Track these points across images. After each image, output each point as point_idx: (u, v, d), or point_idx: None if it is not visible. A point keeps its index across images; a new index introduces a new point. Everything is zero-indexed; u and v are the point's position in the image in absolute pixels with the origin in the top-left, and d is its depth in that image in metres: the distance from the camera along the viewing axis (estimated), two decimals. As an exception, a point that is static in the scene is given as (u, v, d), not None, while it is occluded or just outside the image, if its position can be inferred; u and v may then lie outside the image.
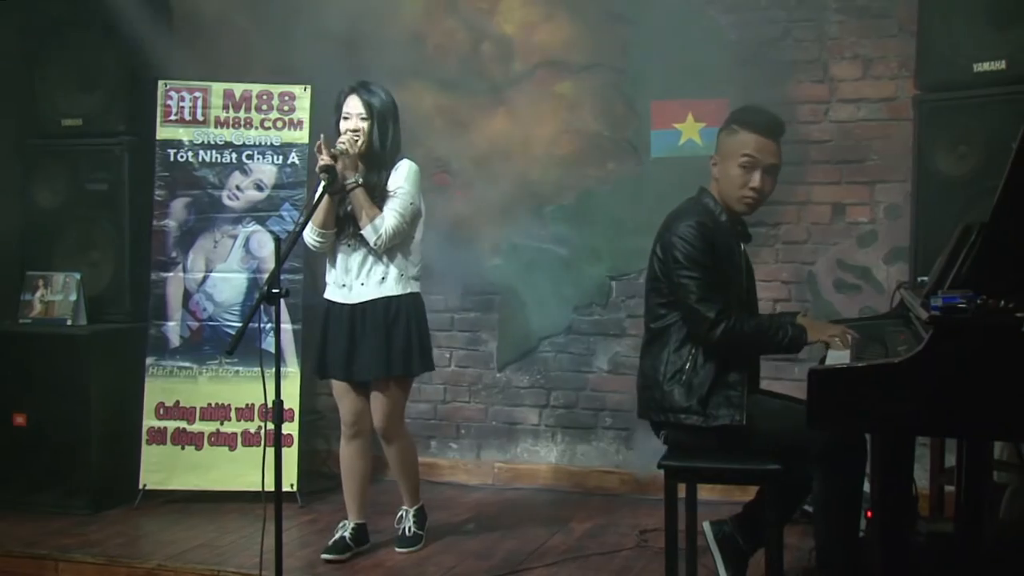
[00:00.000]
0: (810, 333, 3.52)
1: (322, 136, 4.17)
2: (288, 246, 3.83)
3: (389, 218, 4.18)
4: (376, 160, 4.25)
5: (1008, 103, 4.01)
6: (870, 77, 5.07)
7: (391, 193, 4.23)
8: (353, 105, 4.23)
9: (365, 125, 4.22)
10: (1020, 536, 3.91)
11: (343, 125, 4.23)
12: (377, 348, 4.23)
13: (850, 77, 5.10)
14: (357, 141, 4.19)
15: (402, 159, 4.32)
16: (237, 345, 3.41)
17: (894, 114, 4.95)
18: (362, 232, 4.19)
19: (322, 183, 4.10)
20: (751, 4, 5.23)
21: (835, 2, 5.07)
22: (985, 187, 3.86)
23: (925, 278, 3.61)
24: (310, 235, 4.24)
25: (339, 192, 4.18)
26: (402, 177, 4.26)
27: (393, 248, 4.25)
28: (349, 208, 4.22)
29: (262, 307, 3.55)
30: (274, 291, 3.47)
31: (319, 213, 4.17)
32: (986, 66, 4.11)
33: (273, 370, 3.58)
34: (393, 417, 4.35)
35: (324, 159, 4.07)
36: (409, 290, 4.32)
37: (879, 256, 5.05)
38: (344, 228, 4.27)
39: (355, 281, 4.28)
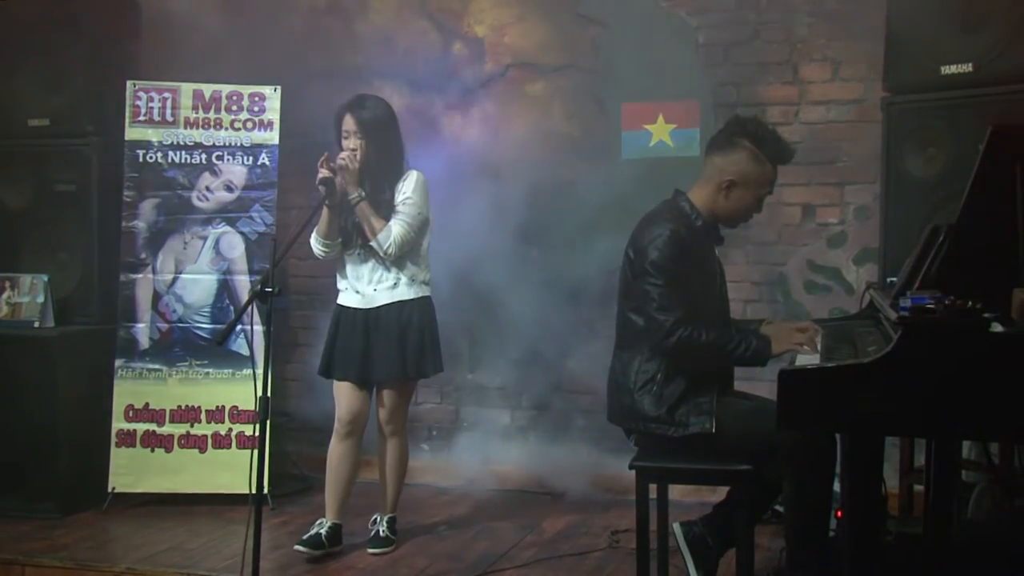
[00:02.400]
0: (775, 345, 3.50)
1: (325, 153, 4.26)
2: (284, 249, 3.90)
3: (396, 228, 4.27)
4: (377, 173, 4.33)
5: (975, 105, 4.05)
6: (839, 79, 5.10)
7: (399, 203, 4.32)
8: (348, 123, 4.31)
9: (361, 142, 4.27)
10: (988, 535, 3.94)
11: (343, 143, 4.32)
12: (391, 351, 4.33)
13: (819, 79, 5.13)
14: (356, 157, 4.26)
15: (410, 170, 4.41)
16: (227, 336, 3.44)
17: (863, 116, 4.98)
18: (371, 244, 4.28)
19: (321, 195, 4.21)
20: (721, 6, 5.25)
21: (804, 4, 5.10)
22: (953, 188, 3.89)
23: (894, 279, 3.64)
24: (316, 245, 4.38)
25: (339, 205, 4.27)
26: (410, 187, 4.35)
27: (402, 257, 4.33)
28: (356, 220, 4.31)
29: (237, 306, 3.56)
30: (267, 289, 3.54)
31: (322, 224, 4.31)
32: (954, 68, 4.14)
33: (249, 371, 3.58)
34: (399, 414, 4.48)
35: (323, 172, 4.19)
36: (421, 294, 4.42)
37: (849, 257, 5.09)
38: (352, 240, 4.38)
39: (368, 287, 4.38)
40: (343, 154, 4.27)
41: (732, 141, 3.62)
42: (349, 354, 4.38)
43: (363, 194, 4.27)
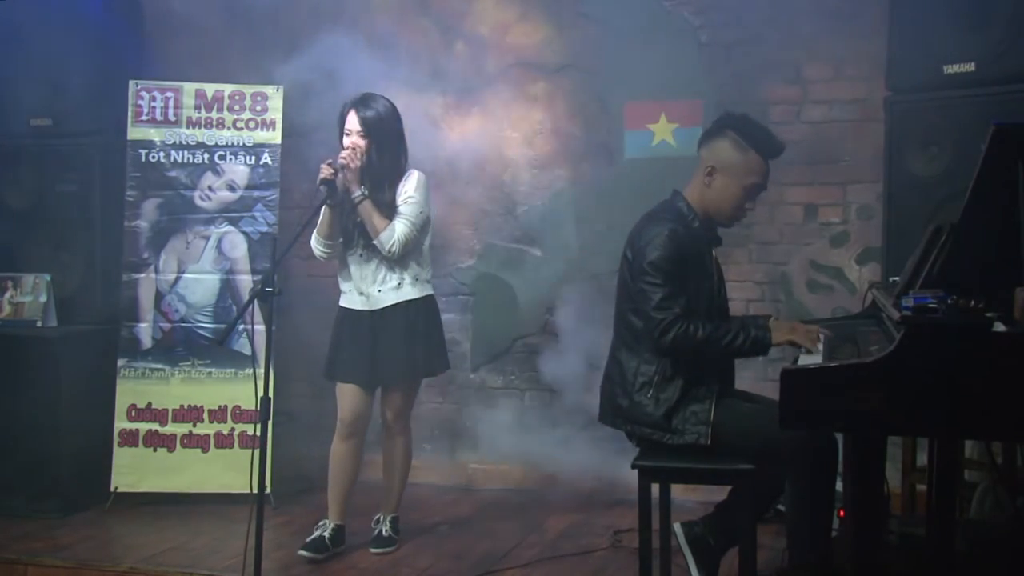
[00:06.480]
0: (775, 334, 3.47)
1: (331, 157, 4.24)
2: (285, 249, 3.90)
3: (400, 227, 4.25)
4: (378, 173, 4.30)
5: (978, 104, 4.05)
6: (842, 78, 5.10)
7: (401, 202, 4.29)
8: (352, 122, 4.28)
9: (363, 142, 4.25)
10: (990, 535, 3.93)
11: (345, 141, 4.29)
12: (399, 352, 4.34)
13: (822, 78, 5.13)
14: (357, 155, 4.23)
15: (411, 170, 4.38)
16: (227, 335, 3.44)
17: (866, 115, 4.97)
18: (374, 243, 4.26)
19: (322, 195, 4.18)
20: (723, 5, 5.25)
21: (806, 3, 5.09)
22: (956, 188, 3.89)
23: (897, 278, 3.63)
24: (316, 246, 4.36)
25: (340, 204, 4.25)
26: (412, 187, 4.32)
27: (405, 255, 4.32)
28: (359, 220, 4.28)
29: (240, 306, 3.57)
30: (267, 289, 3.54)
31: (322, 225, 4.28)
32: (956, 68, 4.15)
33: (251, 371, 3.59)
34: (405, 413, 4.50)
35: (325, 172, 4.15)
36: (425, 292, 4.42)
37: (851, 256, 5.08)
38: (354, 239, 4.35)
39: (372, 288, 4.36)
40: (344, 153, 4.23)
41: (717, 132, 3.64)
42: (356, 357, 4.37)
43: (366, 192, 4.24)
